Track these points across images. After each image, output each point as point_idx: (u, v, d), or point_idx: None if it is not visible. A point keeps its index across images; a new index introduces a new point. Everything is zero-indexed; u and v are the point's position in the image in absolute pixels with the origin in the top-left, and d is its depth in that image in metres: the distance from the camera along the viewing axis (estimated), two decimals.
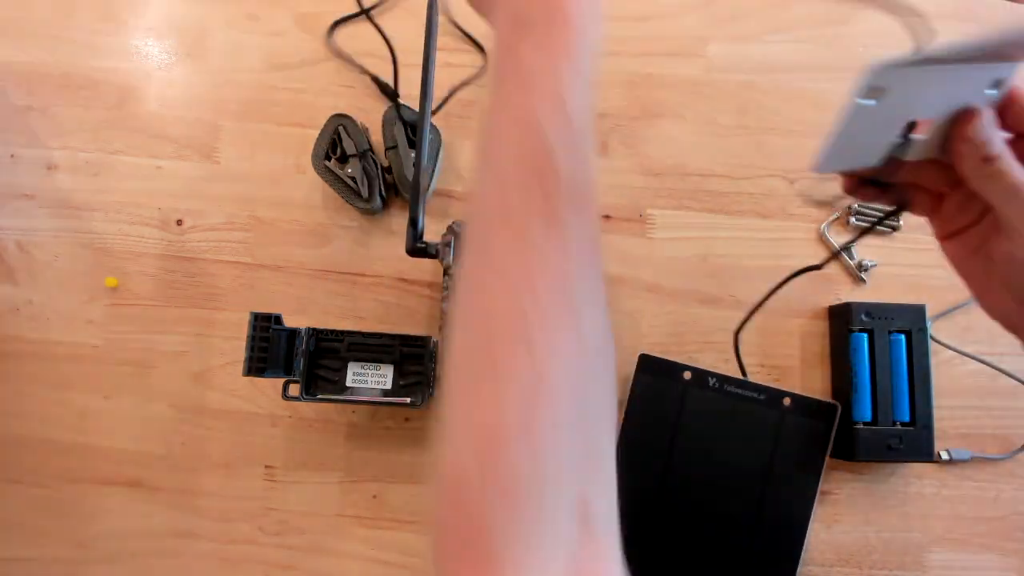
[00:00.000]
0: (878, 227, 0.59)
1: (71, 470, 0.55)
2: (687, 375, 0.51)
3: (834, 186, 0.36)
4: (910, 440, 0.53)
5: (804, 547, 0.50)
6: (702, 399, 0.52)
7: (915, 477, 0.56)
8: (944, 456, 0.55)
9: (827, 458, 0.52)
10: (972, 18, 0.63)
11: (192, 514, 0.55)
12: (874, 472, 0.56)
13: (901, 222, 0.60)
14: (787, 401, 0.51)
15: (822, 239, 0.59)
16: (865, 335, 0.55)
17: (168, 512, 0.55)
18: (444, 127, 0.60)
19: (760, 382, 0.53)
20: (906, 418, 0.54)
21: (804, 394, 0.52)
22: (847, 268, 0.59)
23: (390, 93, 0.60)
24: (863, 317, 0.55)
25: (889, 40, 0.63)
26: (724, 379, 0.52)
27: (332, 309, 0.57)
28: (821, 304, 0.58)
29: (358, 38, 0.61)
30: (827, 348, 0.58)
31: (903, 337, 0.55)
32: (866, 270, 0.58)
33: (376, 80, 0.60)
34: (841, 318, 0.56)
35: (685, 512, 0.51)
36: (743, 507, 0.51)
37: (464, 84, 0.61)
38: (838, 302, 0.58)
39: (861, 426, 0.53)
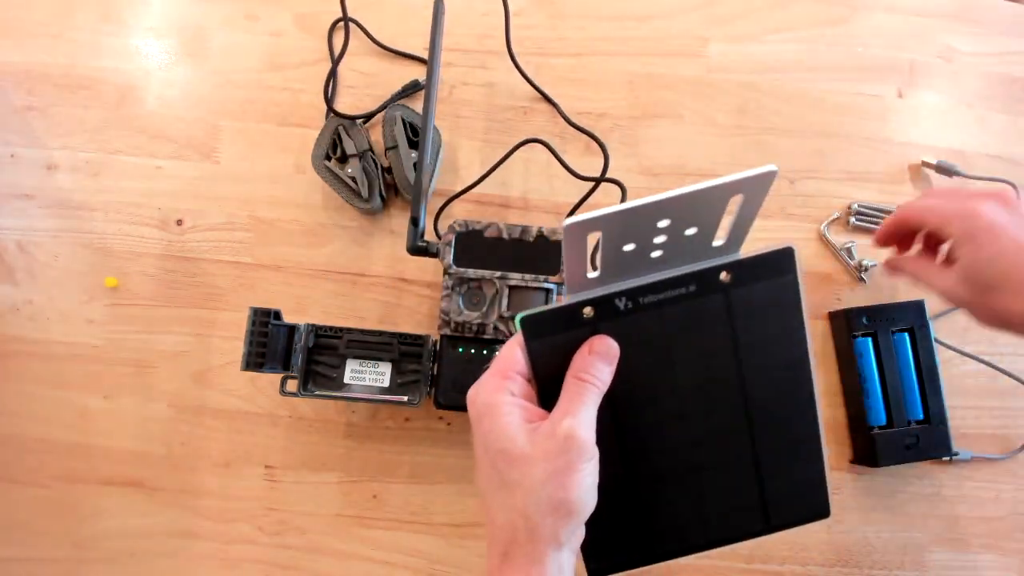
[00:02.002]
0: (878, 226, 0.59)
1: (71, 470, 0.55)
2: (587, 311, 0.35)
3: None
4: (927, 438, 0.54)
5: (819, 424, 0.38)
6: (621, 333, 0.36)
7: (915, 477, 0.56)
8: (944, 456, 0.55)
9: (803, 310, 0.38)
10: (973, 19, 0.63)
11: (192, 514, 0.55)
12: (874, 472, 0.56)
13: None
14: (724, 276, 0.36)
15: (822, 239, 0.59)
16: (869, 339, 0.55)
17: (168, 512, 0.55)
18: (444, 127, 0.60)
19: (681, 270, 0.36)
20: (920, 416, 0.54)
21: (742, 256, 0.36)
22: (847, 269, 0.59)
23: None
24: (864, 321, 0.55)
25: (889, 40, 0.63)
26: (636, 291, 0.36)
27: (332, 309, 0.57)
28: (822, 305, 0.58)
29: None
30: (828, 349, 0.58)
31: (906, 336, 0.55)
32: (866, 270, 0.58)
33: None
34: (842, 324, 0.56)
35: (666, 471, 0.39)
36: (729, 424, 0.38)
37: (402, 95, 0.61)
38: (838, 303, 0.58)
39: (878, 431, 0.53)
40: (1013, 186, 0.59)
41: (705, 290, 0.36)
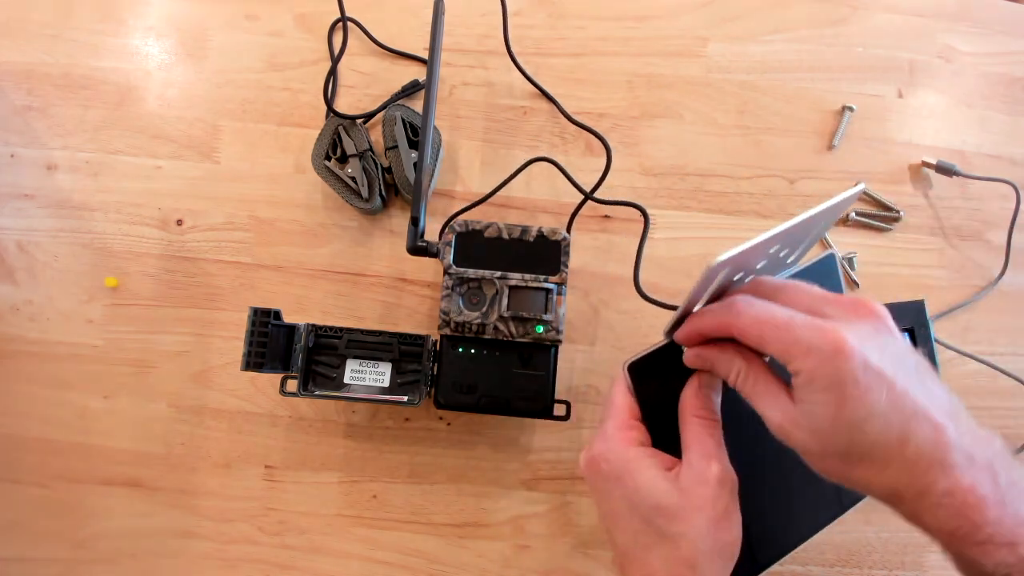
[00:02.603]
0: (877, 224, 0.60)
1: (71, 470, 0.55)
2: None
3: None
4: None
5: None
6: None
7: None
8: None
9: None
10: (973, 19, 0.63)
11: (192, 514, 0.55)
12: None
13: (901, 212, 0.60)
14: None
15: (822, 242, 0.59)
16: None
17: (168, 512, 0.55)
18: (444, 127, 0.60)
19: (768, 235, 0.35)
20: None
21: (799, 266, 0.40)
22: (846, 276, 0.59)
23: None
24: None
25: (889, 40, 0.63)
26: None
27: (332, 309, 0.57)
28: None
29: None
30: None
31: (907, 336, 0.55)
32: (853, 268, 0.58)
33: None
34: None
35: (763, 481, 0.40)
36: None
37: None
38: None
39: None
40: (1013, 186, 0.59)
41: None
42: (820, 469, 0.31)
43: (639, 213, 0.53)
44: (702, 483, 0.32)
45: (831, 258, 0.40)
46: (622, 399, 0.36)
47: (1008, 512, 0.28)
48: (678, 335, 0.35)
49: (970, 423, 0.30)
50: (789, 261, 0.38)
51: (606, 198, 0.55)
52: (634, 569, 0.34)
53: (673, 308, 0.43)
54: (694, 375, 0.36)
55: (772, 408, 0.31)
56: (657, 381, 0.37)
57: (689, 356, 0.35)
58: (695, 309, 0.35)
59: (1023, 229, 0.60)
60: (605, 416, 0.37)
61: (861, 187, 0.34)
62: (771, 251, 0.33)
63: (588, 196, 0.55)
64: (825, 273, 0.40)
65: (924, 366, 0.30)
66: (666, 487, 0.33)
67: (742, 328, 0.31)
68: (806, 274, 0.39)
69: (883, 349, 0.29)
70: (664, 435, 0.36)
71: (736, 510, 0.33)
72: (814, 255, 0.40)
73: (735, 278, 0.34)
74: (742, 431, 0.37)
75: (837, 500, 0.41)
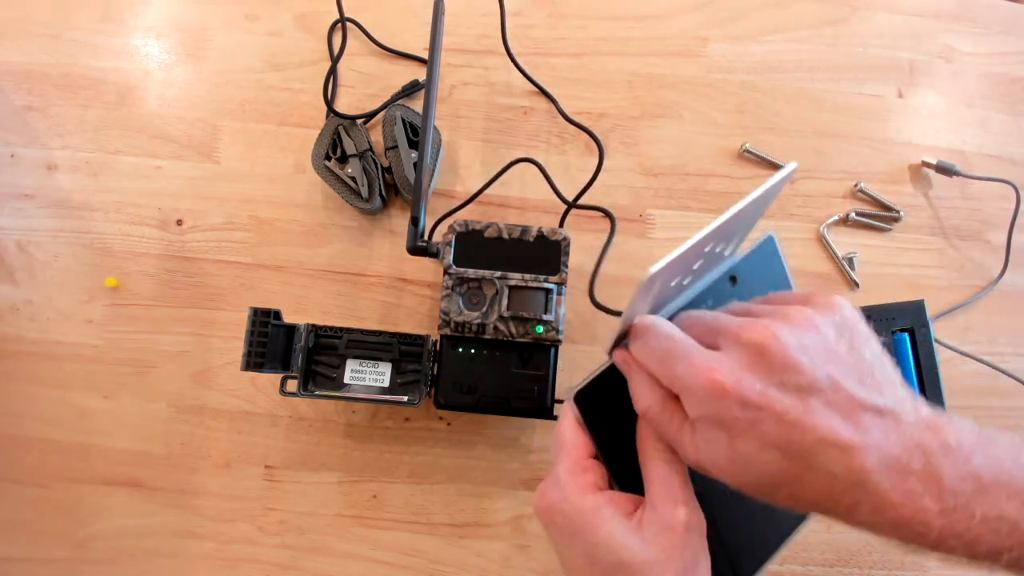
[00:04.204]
0: (877, 224, 0.60)
1: (71, 470, 0.55)
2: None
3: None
4: None
5: None
6: None
7: None
8: None
9: (788, 277, 0.40)
10: (973, 19, 0.64)
11: (192, 514, 0.55)
12: None
13: (901, 212, 0.60)
14: (731, 282, 0.37)
15: (822, 241, 0.59)
16: None
17: (168, 512, 0.55)
18: (444, 127, 0.60)
19: (697, 288, 0.36)
20: None
21: (739, 256, 0.38)
22: (846, 277, 0.59)
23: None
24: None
25: (889, 40, 0.63)
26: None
27: (332, 309, 0.57)
28: None
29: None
30: None
31: (906, 336, 0.55)
32: (853, 268, 0.58)
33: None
34: None
35: (730, 494, 0.35)
36: None
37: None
38: None
39: None
40: (1013, 186, 0.59)
41: (720, 302, 0.36)
42: (748, 494, 0.29)
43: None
44: (668, 531, 0.29)
45: (770, 240, 0.37)
46: (572, 435, 0.32)
47: (959, 517, 0.26)
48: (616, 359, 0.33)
49: (916, 420, 0.27)
50: (726, 254, 0.36)
51: (586, 203, 0.56)
52: None
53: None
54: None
55: (683, 447, 0.30)
56: (609, 407, 0.33)
57: (624, 367, 0.33)
58: (627, 324, 0.32)
59: (1023, 229, 0.60)
60: (556, 456, 0.33)
61: (793, 166, 0.32)
62: (705, 250, 0.32)
63: (570, 204, 0.55)
64: (767, 256, 0.37)
65: (850, 368, 0.27)
66: (629, 542, 0.29)
67: (638, 355, 0.31)
68: (749, 262, 0.36)
69: (768, 379, 0.27)
70: (624, 467, 0.32)
71: (705, 554, 0.30)
72: (753, 240, 0.37)
73: (672, 283, 0.32)
74: None
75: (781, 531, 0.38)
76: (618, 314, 0.44)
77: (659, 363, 0.30)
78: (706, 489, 0.33)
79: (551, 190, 0.58)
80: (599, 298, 0.53)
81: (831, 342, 0.28)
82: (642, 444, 0.32)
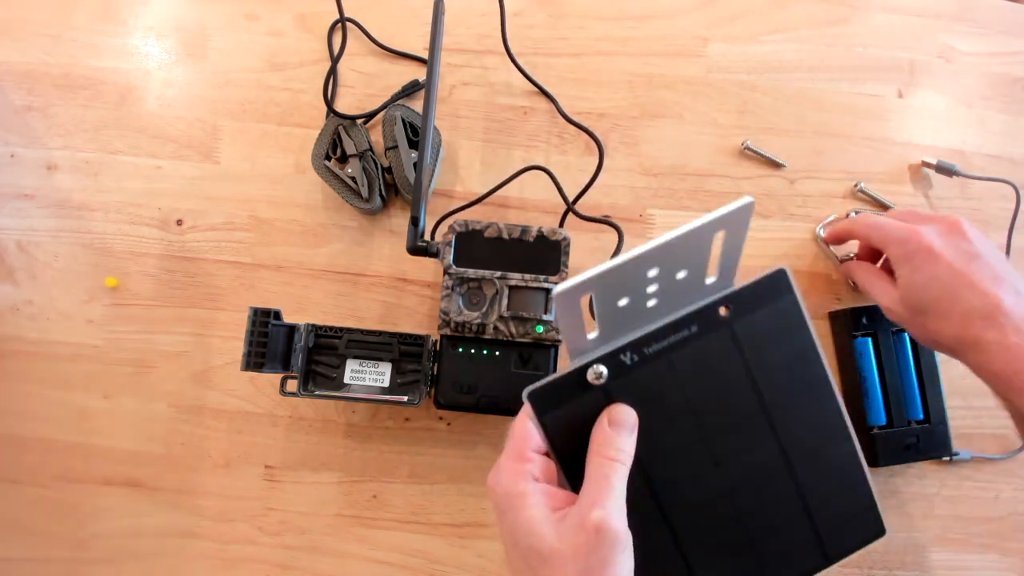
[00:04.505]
0: None
1: (71, 470, 0.55)
2: (594, 373, 0.34)
3: None
4: (927, 438, 0.53)
5: (854, 442, 0.37)
6: (633, 390, 0.34)
7: (915, 477, 0.56)
8: (944, 456, 0.55)
9: (810, 328, 0.37)
10: (973, 19, 0.63)
11: (192, 514, 0.55)
12: (874, 472, 0.55)
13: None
14: (723, 311, 0.35)
15: (818, 243, 0.59)
16: (869, 339, 0.55)
17: (168, 512, 0.55)
18: (444, 127, 0.60)
19: (679, 314, 0.35)
20: (920, 416, 0.54)
21: (735, 286, 0.36)
22: (845, 280, 0.59)
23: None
24: (864, 321, 0.55)
25: (889, 40, 0.63)
26: (638, 343, 0.34)
27: (332, 309, 0.57)
28: (822, 305, 0.58)
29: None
30: (828, 349, 0.58)
31: (906, 335, 0.55)
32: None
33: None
34: (842, 324, 0.56)
35: (712, 523, 0.36)
36: (766, 461, 0.36)
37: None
38: (838, 303, 0.58)
39: (877, 430, 0.53)
40: (1013, 186, 0.59)
41: (708, 328, 0.35)
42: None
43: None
44: (579, 530, 0.30)
45: (781, 274, 0.36)
46: (521, 428, 0.34)
47: None
48: (828, 235, 0.55)
49: None
50: (709, 282, 0.35)
51: (587, 202, 0.55)
52: None
53: (601, 221, 0.46)
54: (608, 408, 0.34)
55: (883, 293, 0.47)
56: (568, 411, 0.33)
57: (847, 266, 0.54)
58: (572, 339, 0.33)
59: (1023, 229, 0.60)
60: (506, 445, 0.35)
61: (748, 200, 0.31)
62: (651, 274, 0.32)
63: (569, 207, 0.55)
64: (774, 289, 0.36)
65: (998, 267, 0.42)
66: (543, 531, 0.31)
67: (859, 231, 0.50)
68: (749, 293, 0.35)
69: (947, 243, 0.43)
70: (575, 471, 0.33)
71: (619, 565, 0.30)
72: (766, 271, 0.36)
73: (621, 303, 0.32)
74: (694, 471, 0.35)
75: (819, 550, 0.37)
76: (590, 219, 0.49)
77: (878, 229, 0.47)
78: (713, 508, 0.34)
79: (550, 190, 0.58)
80: None
81: (991, 245, 0.44)
82: (591, 442, 0.33)
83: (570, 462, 0.34)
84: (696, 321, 0.35)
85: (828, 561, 0.37)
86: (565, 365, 0.35)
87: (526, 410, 0.34)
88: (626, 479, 0.32)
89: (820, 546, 0.37)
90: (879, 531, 0.38)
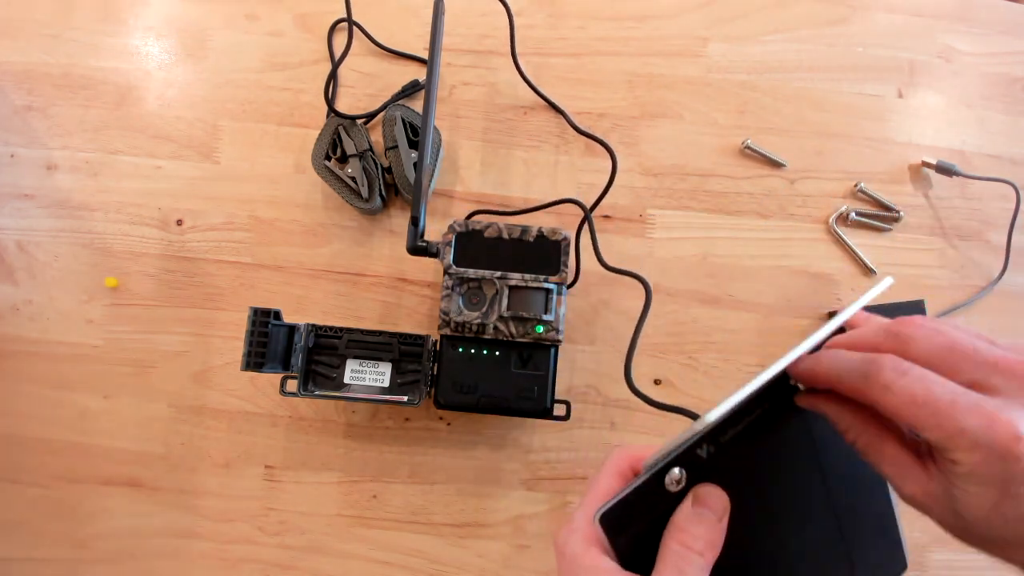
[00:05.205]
0: (877, 224, 0.60)
1: (71, 470, 0.55)
2: (672, 479, 0.29)
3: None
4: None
5: (890, 491, 0.37)
6: (714, 475, 0.30)
7: None
8: None
9: None
10: (973, 19, 0.63)
11: (192, 514, 0.55)
12: None
13: (901, 212, 0.60)
14: (797, 383, 0.32)
15: (831, 232, 0.59)
16: None
17: (168, 512, 0.55)
18: (444, 127, 0.60)
19: (753, 388, 0.29)
20: None
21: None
22: (858, 263, 0.59)
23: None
24: None
25: (889, 40, 0.63)
26: (714, 432, 0.30)
27: (332, 309, 0.57)
28: (821, 305, 0.58)
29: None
30: None
31: None
32: (873, 272, 0.58)
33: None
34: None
35: None
36: (822, 528, 0.35)
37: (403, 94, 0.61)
38: (838, 303, 0.58)
39: None
40: (1013, 186, 0.59)
41: (778, 402, 0.32)
42: (958, 538, 0.28)
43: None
44: None
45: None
46: (605, 483, 0.30)
47: None
48: (798, 372, 0.30)
49: None
50: None
51: (614, 265, 0.54)
52: None
53: (675, 410, 0.39)
54: (696, 487, 0.29)
55: (903, 479, 0.28)
56: (646, 528, 0.29)
57: (804, 401, 0.31)
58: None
59: (1023, 229, 0.60)
60: (584, 499, 0.31)
61: (888, 283, 0.29)
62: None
63: (605, 266, 0.52)
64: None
65: None
66: None
67: (890, 406, 0.26)
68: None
69: None
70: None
71: None
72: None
73: None
74: (760, 549, 0.33)
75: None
76: (667, 408, 0.40)
77: (935, 414, 0.25)
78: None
79: (551, 190, 0.58)
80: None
81: None
82: (669, 526, 0.28)
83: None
84: (768, 396, 0.32)
85: None
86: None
87: (613, 461, 0.31)
88: (707, 573, 0.27)
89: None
90: (903, 566, 0.38)
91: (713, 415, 0.25)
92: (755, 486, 0.32)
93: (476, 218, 0.54)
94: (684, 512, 0.28)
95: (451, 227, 0.51)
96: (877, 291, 0.29)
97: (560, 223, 0.58)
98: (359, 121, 0.58)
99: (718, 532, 0.28)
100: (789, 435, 0.33)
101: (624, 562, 0.28)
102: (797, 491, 0.34)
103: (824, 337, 0.27)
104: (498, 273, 0.50)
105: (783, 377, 0.30)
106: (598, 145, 0.57)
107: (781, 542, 0.33)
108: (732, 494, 0.30)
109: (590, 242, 0.52)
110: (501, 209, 0.58)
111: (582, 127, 0.59)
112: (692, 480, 0.29)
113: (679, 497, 0.29)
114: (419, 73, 0.61)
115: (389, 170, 0.57)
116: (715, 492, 0.29)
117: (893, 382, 0.26)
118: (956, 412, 0.24)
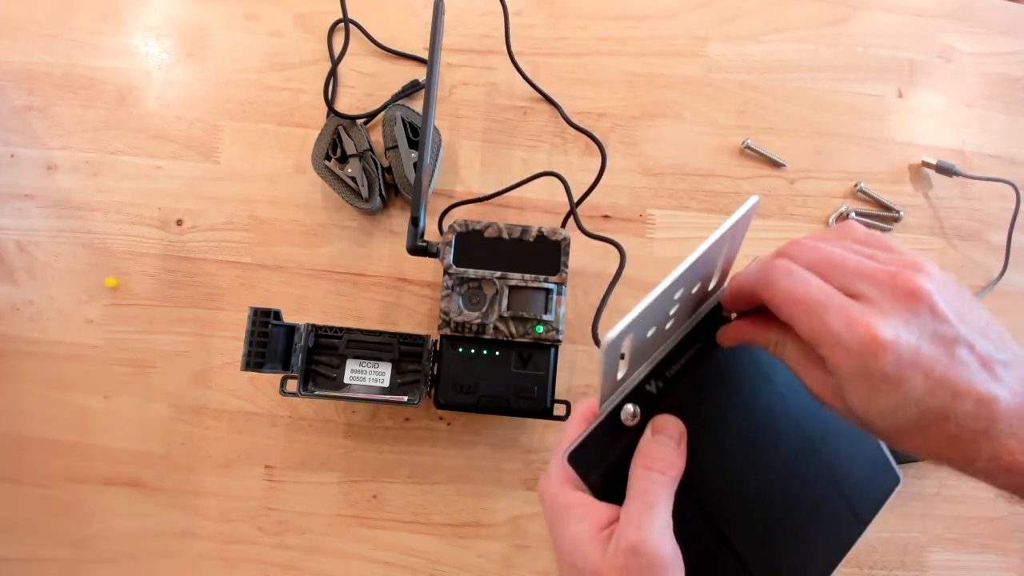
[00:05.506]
0: (877, 224, 0.60)
1: (71, 470, 0.55)
2: (626, 416, 0.32)
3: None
4: None
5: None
6: (671, 408, 0.33)
7: (915, 477, 0.56)
8: None
9: None
10: (973, 19, 0.63)
11: (192, 514, 0.55)
12: None
13: (901, 212, 0.60)
14: (725, 312, 0.35)
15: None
16: None
17: (168, 512, 0.55)
18: (444, 127, 0.60)
19: (687, 327, 0.34)
20: None
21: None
22: None
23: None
24: None
25: (889, 40, 0.63)
26: (658, 369, 0.33)
27: (332, 309, 0.57)
28: None
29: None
30: None
31: None
32: None
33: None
34: None
35: (765, 525, 0.35)
36: (799, 450, 0.36)
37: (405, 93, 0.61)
38: None
39: None
40: (1013, 186, 0.59)
41: (713, 337, 0.34)
42: (870, 433, 0.30)
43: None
44: (616, 552, 0.29)
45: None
46: (572, 430, 0.32)
47: None
48: (725, 300, 0.33)
49: None
50: (710, 289, 0.35)
51: (593, 231, 0.55)
52: None
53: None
54: (654, 419, 0.32)
55: (810, 378, 0.30)
56: (612, 462, 0.32)
57: (725, 337, 0.33)
58: (607, 384, 0.31)
59: (1023, 229, 0.60)
60: (557, 447, 0.33)
61: (754, 200, 0.30)
62: (676, 296, 0.30)
63: (572, 211, 0.55)
64: None
65: (983, 341, 0.27)
66: (587, 550, 0.30)
67: (773, 300, 0.29)
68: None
69: (921, 332, 0.26)
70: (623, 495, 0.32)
71: None
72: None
73: (649, 334, 0.31)
74: (737, 481, 0.34)
75: (854, 518, 0.37)
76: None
77: (806, 312, 0.28)
78: (762, 510, 0.33)
79: (550, 190, 0.58)
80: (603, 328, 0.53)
81: (962, 297, 0.28)
82: (635, 454, 0.31)
83: (619, 495, 0.32)
84: (706, 330, 0.34)
85: (863, 525, 0.37)
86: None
87: (579, 410, 0.33)
88: (671, 493, 0.30)
89: (855, 514, 0.37)
90: (896, 480, 0.39)
91: (612, 334, 0.27)
92: (718, 415, 0.34)
93: (461, 212, 0.54)
94: (644, 439, 0.31)
95: (451, 227, 0.51)
96: (741, 212, 0.30)
97: (556, 222, 0.58)
98: (359, 121, 0.58)
99: (676, 454, 0.31)
100: (739, 367, 0.34)
101: (599, 496, 0.31)
102: (759, 416, 0.35)
103: (700, 253, 0.29)
104: (498, 273, 0.50)
105: (715, 314, 0.33)
106: (599, 149, 0.57)
107: (759, 467, 0.35)
108: (694, 423, 0.33)
109: (590, 242, 0.52)
110: (501, 209, 0.58)
111: (577, 124, 0.59)
112: (648, 414, 0.32)
113: (639, 432, 0.32)
114: (419, 73, 0.61)
115: (389, 170, 0.57)
116: (670, 419, 0.32)
117: (778, 281, 0.29)
118: (824, 312, 0.27)
